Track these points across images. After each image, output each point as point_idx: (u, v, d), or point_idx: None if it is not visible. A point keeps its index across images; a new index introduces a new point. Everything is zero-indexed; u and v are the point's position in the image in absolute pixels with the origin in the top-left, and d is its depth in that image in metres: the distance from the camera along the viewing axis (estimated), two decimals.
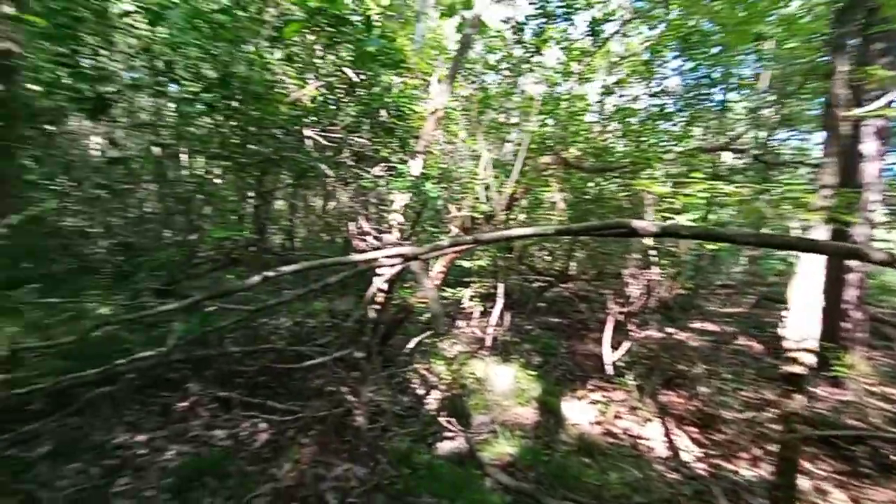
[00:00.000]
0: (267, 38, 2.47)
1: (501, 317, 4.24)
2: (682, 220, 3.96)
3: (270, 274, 2.26)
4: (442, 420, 3.98)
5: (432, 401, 5.12)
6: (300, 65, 2.87)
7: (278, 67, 2.64)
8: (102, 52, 2.43)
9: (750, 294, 11.64)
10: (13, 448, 2.80)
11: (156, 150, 4.87)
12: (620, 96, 6.55)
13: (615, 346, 5.44)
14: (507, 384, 5.47)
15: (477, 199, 3.74)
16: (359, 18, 2.52)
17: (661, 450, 4.44)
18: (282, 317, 6.63)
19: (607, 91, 5.88)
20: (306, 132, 2.79)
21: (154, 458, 3.31)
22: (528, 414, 4.68)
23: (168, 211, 7.49)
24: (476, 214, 3.80)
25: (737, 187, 3.87)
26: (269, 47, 2.54)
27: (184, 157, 6.59)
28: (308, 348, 5.00)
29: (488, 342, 4.57)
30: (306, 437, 3.58)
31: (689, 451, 4.42)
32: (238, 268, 8.35)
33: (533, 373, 5.43)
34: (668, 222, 3.85)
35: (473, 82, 4.70)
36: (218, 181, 8.74)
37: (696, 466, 4.18)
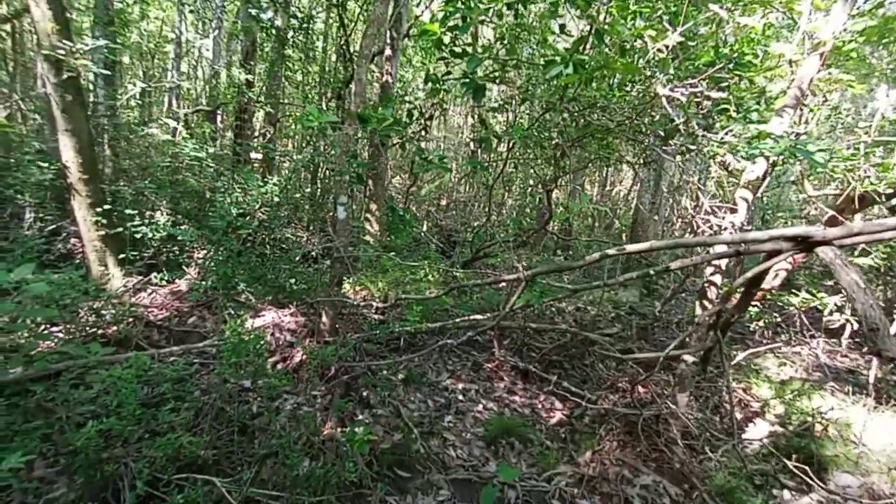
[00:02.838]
0: None
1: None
2: None
3: (611, 252, 2.10)
4: (789, 464, 3.01)
5: (756, 432, 4.03)
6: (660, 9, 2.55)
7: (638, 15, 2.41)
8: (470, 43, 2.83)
9: None
10: (387, 371, 3.72)
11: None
12: None
13: None
14: (890, 442, 3.73)
15: (879, 165, 2.51)
16: None
17: None
18: (563, 301, 6.71)
19: None
20: (661, 90, 2.48)
21: (470, 406, 3.82)
22: None
23: (473, 198, 8.81)
24: (869, 189, 2.58)
25: None
26: None
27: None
28: (599, 336, 4.80)
29: (872, 377, 3.16)
30: (604, 430, 3.38)
31: None
32: (526, 249, 9.08)
33: None
34: None
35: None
36: (512, 171, 9.66)
37: None
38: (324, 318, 3.53)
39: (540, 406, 3.93)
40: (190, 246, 5.02)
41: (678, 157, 3.28)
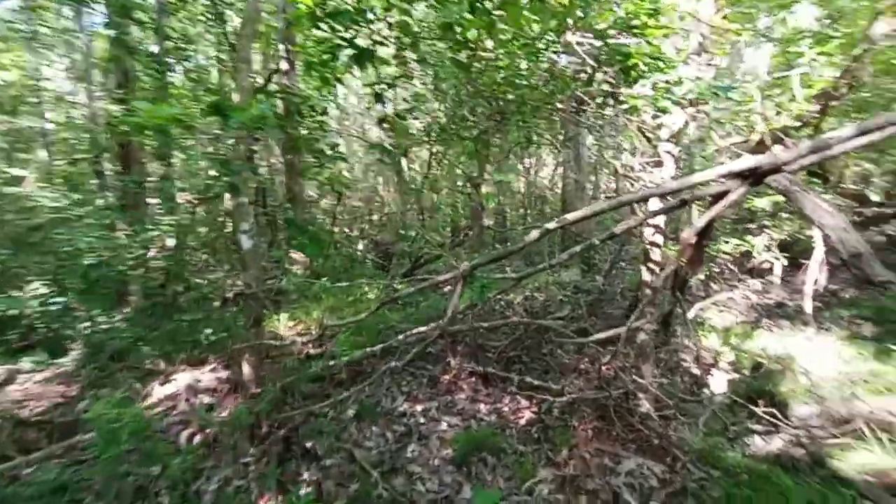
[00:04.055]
0: None
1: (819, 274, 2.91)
2: None
3: (551, 226, 1.87)
4: (757, 410, 2.98)
5: (716, 383, 4.06)
6: None
7: None
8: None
9: None
10: (332, 411, 3.26)
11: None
12: None
13: None
14: (830, 364, 3.92)
15: (780, 105, 2.56)
16: None
17: None
18: (510, 293, 6.57)
19: None
20: (571, 38, 2.29)
21: (432, 427, 3.45)
22: None
23: (403, 207, 8.50)
24: (779, 126, 2.62)
25: None
26: None
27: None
28: (552, 321, 4.66)
29: (808, 307, 3.24)
30: (576, 420, 3.18)
31: None
32: (464, 248, 8.91)
33: (878, 349, 3.72)
34: None
35: None
36: (437, 172, 9.46)
37: None
38: (245, 368, 3.00)
39: (506, 409, 3.66)
40: (73, 315, 4.19)
41: (597, 122, 3.20)
